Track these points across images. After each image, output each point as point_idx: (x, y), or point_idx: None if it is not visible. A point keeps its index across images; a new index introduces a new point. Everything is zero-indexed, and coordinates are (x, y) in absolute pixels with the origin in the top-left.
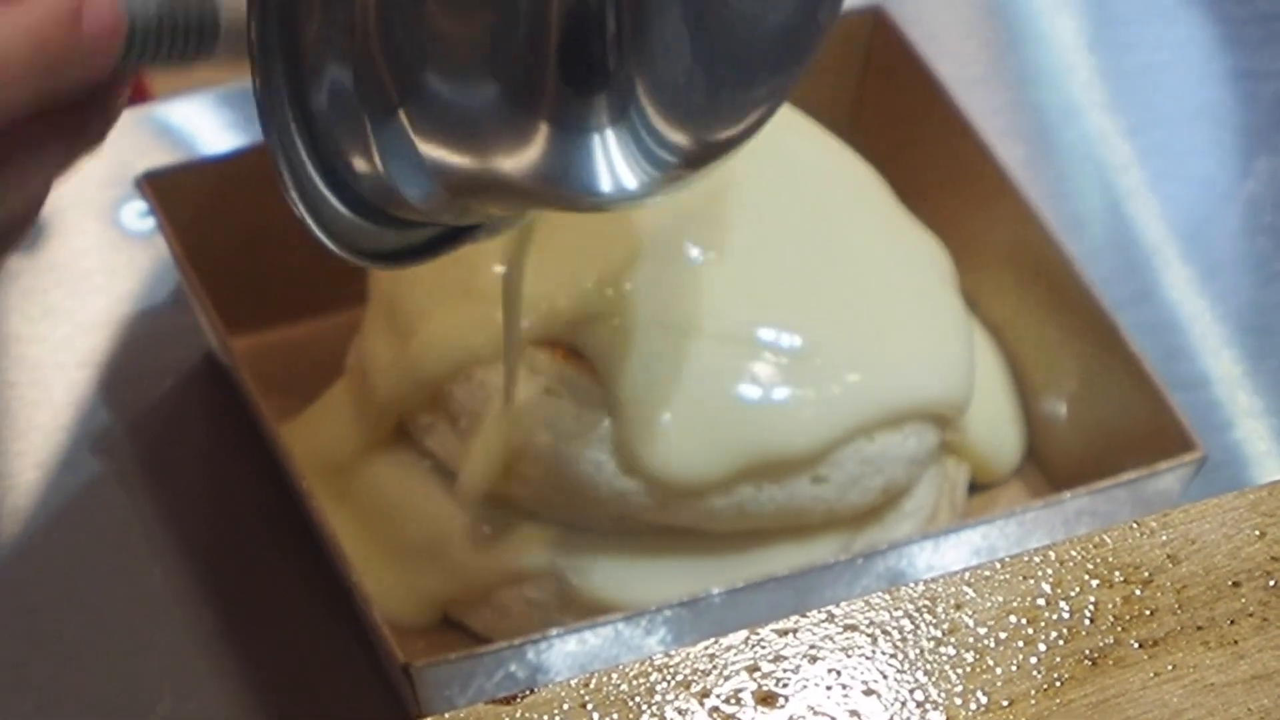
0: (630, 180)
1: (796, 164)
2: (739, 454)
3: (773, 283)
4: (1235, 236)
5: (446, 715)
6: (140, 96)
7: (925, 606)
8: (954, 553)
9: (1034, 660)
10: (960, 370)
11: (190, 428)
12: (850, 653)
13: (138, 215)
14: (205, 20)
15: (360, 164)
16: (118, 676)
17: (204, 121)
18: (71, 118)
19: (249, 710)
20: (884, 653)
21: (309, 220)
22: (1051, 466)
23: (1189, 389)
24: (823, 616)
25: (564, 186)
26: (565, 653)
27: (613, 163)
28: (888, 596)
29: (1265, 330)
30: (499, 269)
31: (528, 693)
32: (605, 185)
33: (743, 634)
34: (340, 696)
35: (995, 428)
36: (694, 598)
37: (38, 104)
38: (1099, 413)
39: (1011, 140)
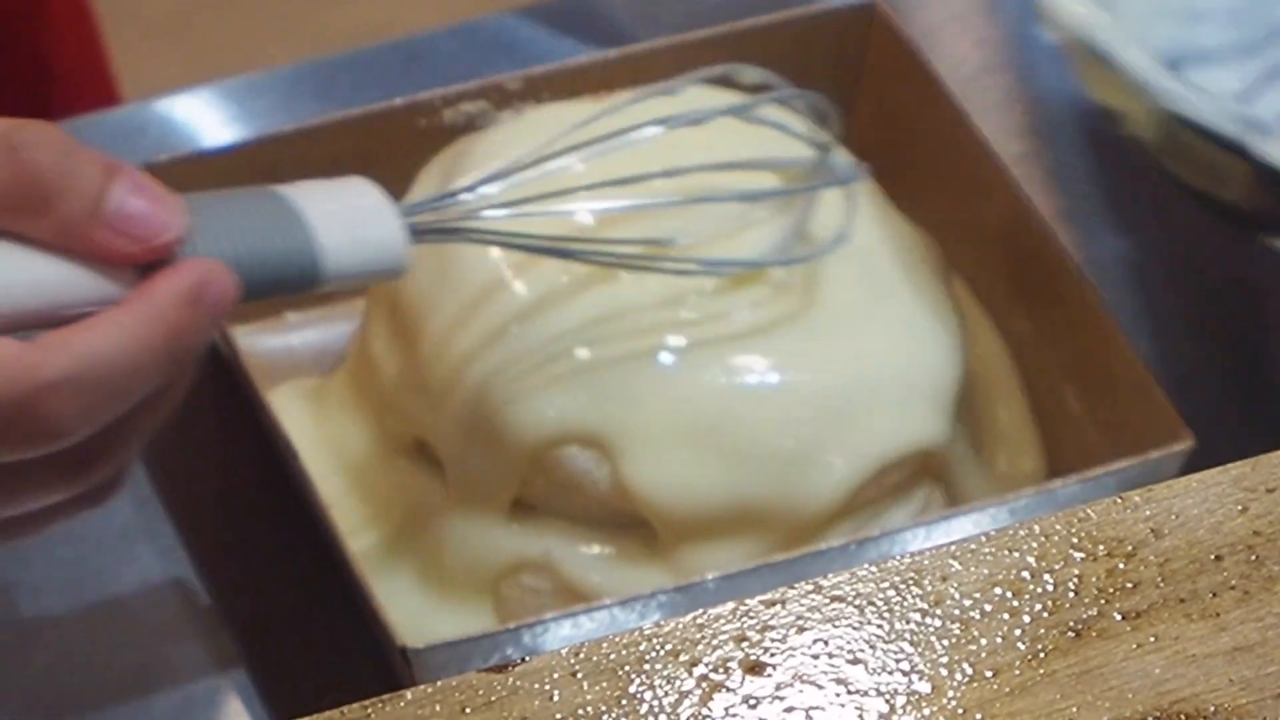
0: None
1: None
2: (738, 506)
3: (765, 306)
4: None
5: (439, 682)
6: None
7: (911, 579)
8: (945, 539)
9: (1018, 632)
10: (948, 407)
11: (194, 419)
12: (837, 623)
13: None
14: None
15: None
16: (116, 662)
17: (207, 116)
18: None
19: (247, 691)
20: (870, 623)
21: None
22: (1046, 454)
23: (1183, 378)
24: (810, 588)
25: None
26: (560, 636)
27: None
28: (875, 569)
29: (1254, 319)
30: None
31: (520, 661)
32: None
33: (730, 605)
34: (339, 677)
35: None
36: (688, 582)
37: (163, 386)
38: (1091, 401)
39: (1008, 135)
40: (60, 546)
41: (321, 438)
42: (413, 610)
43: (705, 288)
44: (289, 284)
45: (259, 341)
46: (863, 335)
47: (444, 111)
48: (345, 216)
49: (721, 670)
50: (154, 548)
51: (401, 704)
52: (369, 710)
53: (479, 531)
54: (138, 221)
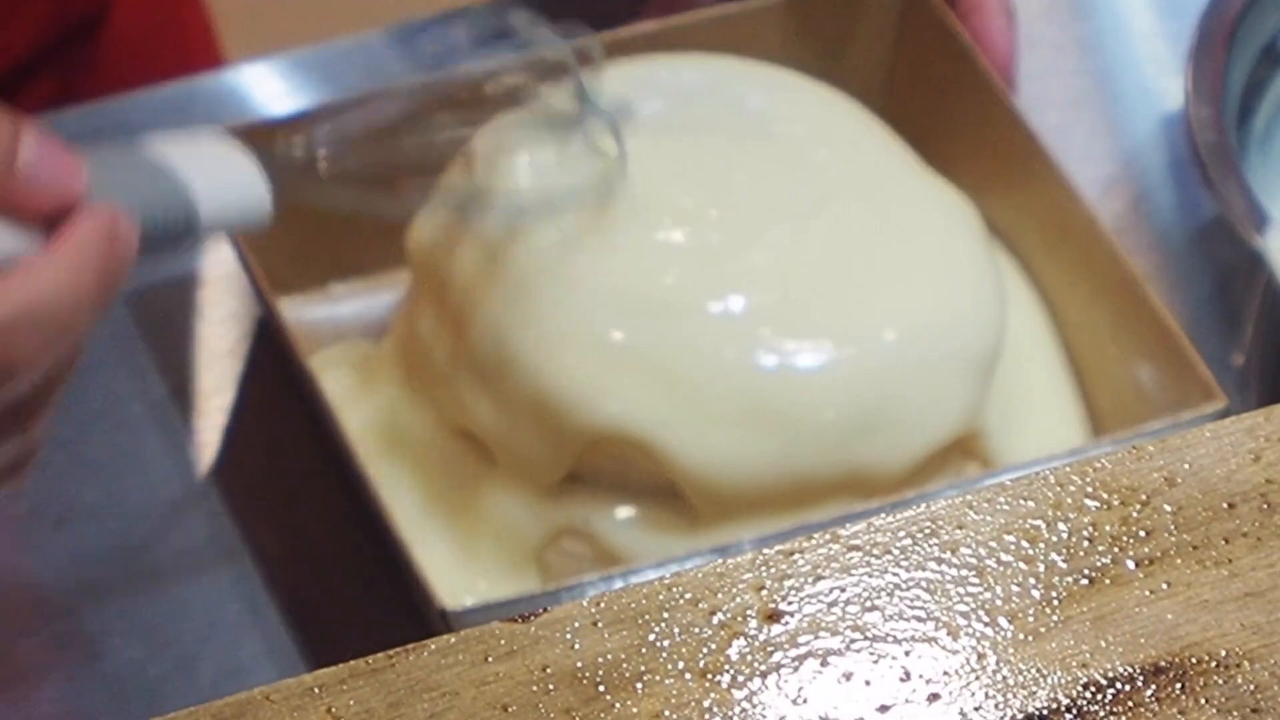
0: None
1: (819, 138)
2: (790, 493)
3: (810, 281)
4: None
5: (463, 632)
6: (213, 61)
7: (928, 528)
8: None
9: (1033, 579)
10: (990, 379)
11: (240, 390)
12: (853, 571)
13: None
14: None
15: None
16: (164, 627)
17: (271, 86)
18: None
19: (290, 655)
20: (887, 571)
21: None
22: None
23: (1212, 342)
24: (827, 537)
25: None
26: None
27: None
28: (890, 518)
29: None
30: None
31: (541, 611)
32: None
33: (749, 555)
34: (381, 640)
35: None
36: (724, 545)
37: (91, 328)
38: (1125, 365)
39: (1044, 107)
40: (108, 517)
41: (366, 404)
42: (454, 574)
43: (754, 266)
44: (168, 237)
45: (304, 311)
46: (909, 307)
47: (485, 85)
48: (213, 169)
49: (740, 618)
50: (201, 514)
51: (425, 654)
52: (394, 659)
53: (524, 504)
54: (50, 173)
